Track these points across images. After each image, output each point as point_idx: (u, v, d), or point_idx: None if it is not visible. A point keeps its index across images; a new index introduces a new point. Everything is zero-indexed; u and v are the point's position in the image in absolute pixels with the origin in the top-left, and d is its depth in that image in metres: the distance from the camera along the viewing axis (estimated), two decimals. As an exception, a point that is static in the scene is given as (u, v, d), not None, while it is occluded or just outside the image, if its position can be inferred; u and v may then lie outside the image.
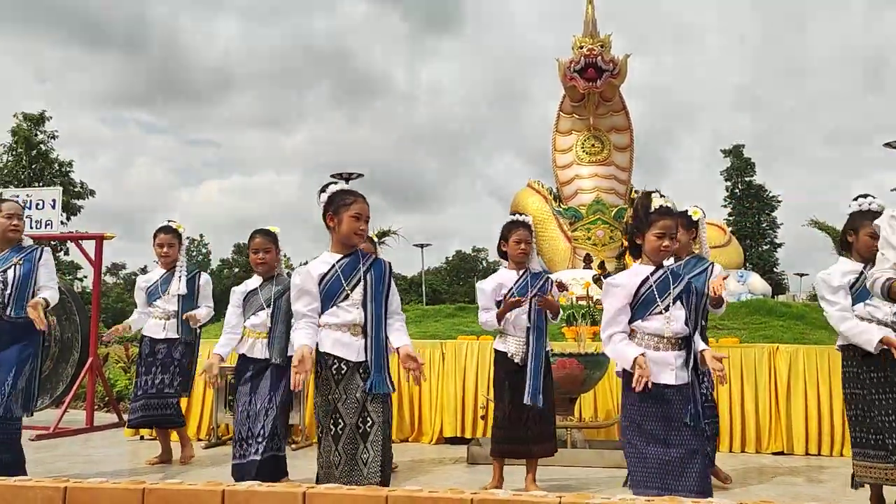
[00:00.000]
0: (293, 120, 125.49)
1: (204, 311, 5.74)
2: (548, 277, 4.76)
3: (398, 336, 3.46)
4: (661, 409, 3.20)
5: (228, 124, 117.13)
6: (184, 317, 5.62)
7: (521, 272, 4.68)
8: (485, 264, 72.75)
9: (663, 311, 3.25)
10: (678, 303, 3.31)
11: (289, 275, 4.70)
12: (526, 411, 4.58)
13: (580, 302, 9.12)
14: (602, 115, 15.22)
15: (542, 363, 4.59)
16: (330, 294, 3.39)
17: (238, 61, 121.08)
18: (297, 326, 3.39)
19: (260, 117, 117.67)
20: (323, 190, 3.53)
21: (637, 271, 3.38)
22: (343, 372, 3.33)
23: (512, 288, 4.66)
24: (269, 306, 4.78)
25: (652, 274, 3.34)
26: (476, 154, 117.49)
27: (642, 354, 3.16)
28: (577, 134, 15.60)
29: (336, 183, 3.53)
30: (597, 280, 8.84)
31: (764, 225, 43.46)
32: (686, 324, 3.30)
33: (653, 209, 3.38)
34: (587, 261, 14.80)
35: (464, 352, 6.92)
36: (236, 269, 65.64)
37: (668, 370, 3.25)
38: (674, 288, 3.33)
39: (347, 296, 3.39)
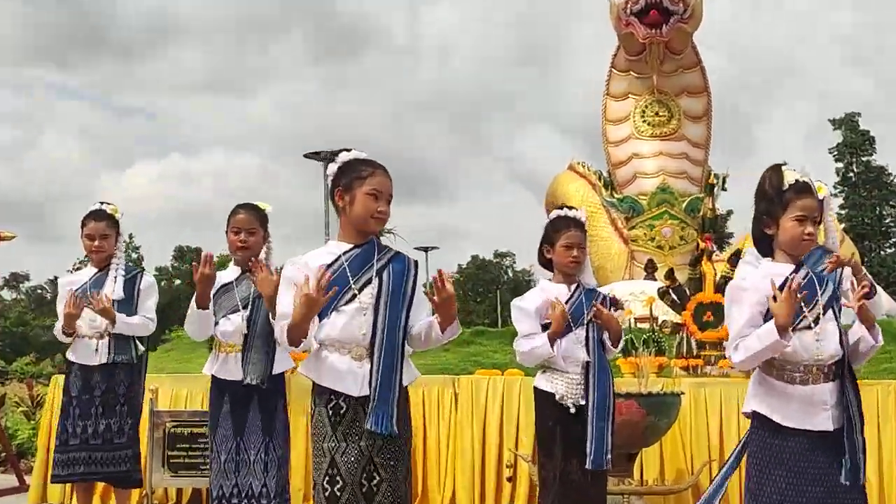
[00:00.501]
0: (254, 82, 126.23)
1: (137, 320, 5.73)
2: (605, 296, 4.77)
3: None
4: (816, 469, 3.11)
5: (167, 87, 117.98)
6: (95, 303, 5.53)
7: (572, 287, 4.68)
8: (510, 274, 72.93)
9: (811, 326, 3.14)
10: (829, 313, 3.23)
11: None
12: (583, 472, 4.56)
13: (641, 325, 9.10)
14: (669, 73, 15.24)
15: (609, 410, 4.57)
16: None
17: (181, 4, 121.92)
18: (283, 324, 3.38)
19: (210, 78, 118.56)
20: (332, 160, 3.62)
21: (772, 271, 3.31)
22: (342, 411, 3.36)
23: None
24: (246, 307, 4.83)
25: (793, 274, 3.25)
26: (498, 128, 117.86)
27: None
28: (635, 99, 15.65)
29: (350, 150, 3.61)
30: (663, 294, 8.80)
31: (888, 220, 43.37)
32: (841, 343, 3.22)
33: (786, 185, 3.33)
34: (649, 269, 14.82)
35: (484, 391, 6.90)
36: (177, 281, 65.91)
37: (823, 411, 3.16)
38: (822, 294, 3.25)
39: (354, 297, 3.42)
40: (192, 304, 4.87)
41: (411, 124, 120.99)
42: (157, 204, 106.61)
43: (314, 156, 26.80)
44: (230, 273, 5.01)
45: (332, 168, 3.60)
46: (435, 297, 3.38)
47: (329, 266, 3.44)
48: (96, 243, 5.75)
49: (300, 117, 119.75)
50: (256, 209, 5.04)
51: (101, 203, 5.90)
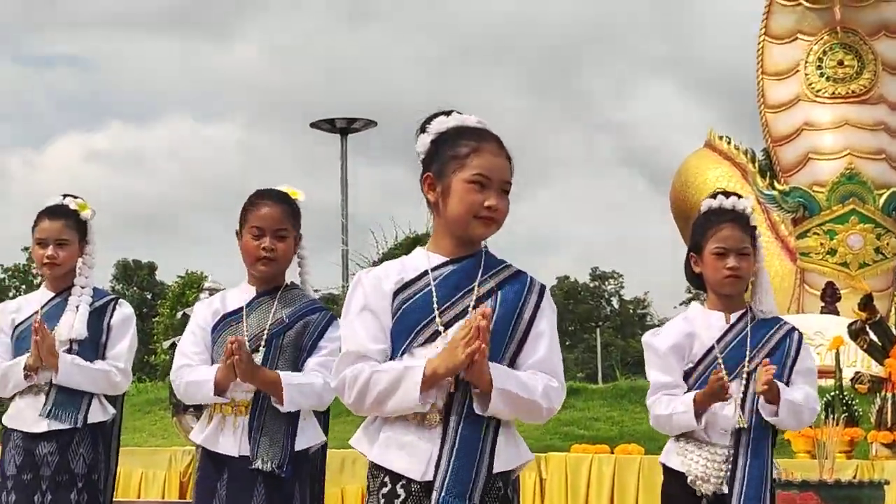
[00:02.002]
0: (234, 16, 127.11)
1: (99, 367, 5.66)
2: (794, 328, 4.73)
3: None
4: None
5: (105, 26, 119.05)
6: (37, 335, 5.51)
7: (734, 316, 4.69)
8: (615, 305, 72.57)
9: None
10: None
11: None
12: None
13: (820, 380, 9.02)
14: (861, 2, 15.12)
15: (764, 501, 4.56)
16: (406, 326, 3.43)
17: None
18: (371, 371, 3.37)
19: (169, 12, 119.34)
20: (423, 129, 3.60)
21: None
22: (398, 502, 3.37)
23: (713, 350, 4.63)
24: (258, 350, 4.77)
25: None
26: (598, 83, 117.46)
27: None
28: (807, 41, 15.60)
29: (449, 114, 3.59)
30: (857, 334, 8.74)
31: None
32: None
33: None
34: (830, 296, 14.65)
35: (584, 475, 6.85)
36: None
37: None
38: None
39: (436, 335, 3.41)
40: (204, 374, 4.76)
41: (468, 77, 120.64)
42: (92, 197, 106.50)
43: (325, 125, 26.79)
44: (239, 295, 4.95)
45: (424, 142, 3.58)
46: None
47: (407, 285, 3.46)
48: (49, 252, 5.78)
49: (301, 69, 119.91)
50: (287, 200, 4.99)
51: (64, 196, 5.96)
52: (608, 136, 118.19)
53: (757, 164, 16.56)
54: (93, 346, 5.74)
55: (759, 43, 15.65)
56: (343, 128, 26.49)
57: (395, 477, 3.36)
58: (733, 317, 4.66)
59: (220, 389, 4.66)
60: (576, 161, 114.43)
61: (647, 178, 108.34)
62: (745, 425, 4.56)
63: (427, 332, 3.40)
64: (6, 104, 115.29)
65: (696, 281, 4.80)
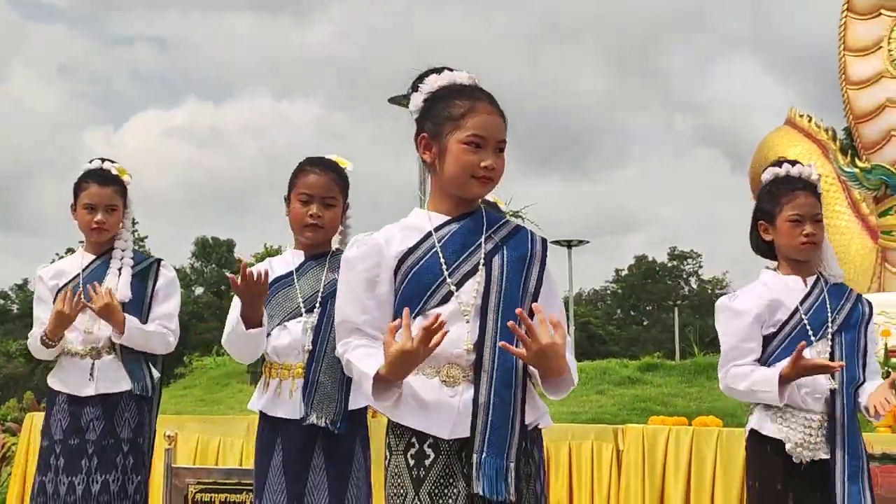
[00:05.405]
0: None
1: (153, 328, 5.72)
2: (860, 297, 4.72)
3: None
4: None
5: (183, 5, 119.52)
6: (94, 298, 5.52)
7: (809, 280, 4.70)
8: (693, 285, 71.99)
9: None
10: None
11: None
12: None
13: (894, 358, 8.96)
14: (946, -26, 14.93)
15: (864, 467, 4.54)
16: (417, 289, 3.43)
17: None
18: (349, 350, 3.43)
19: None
20: (415, 87, 3.63)
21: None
22: (428, 462, 3.35)
23: (797, 313, 4.63)
24: (312, 310, 4.82)
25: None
26: (678, 61, 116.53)
27: None
28: (891, 16, 15.42)
29: (440, 72, 3.61)
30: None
31: None
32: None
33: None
34: (913, 276, 14.49)
35: (661, 448, 6.88)
36: (198, 290, 66.90)
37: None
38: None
39: (450, 295, 3.42)
40: (235, 318, 4.78)
41: (550, 57, 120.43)
42: (169, 175, 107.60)
43: (405, 101, 26.62)
44: (286, 260, 5.01)
45: (416, 102, 3.62)
46: (521, 349, 3.27)
47: (411, 250, 3.47)
48: (98, 217, 5.78)
49: (382, 46, 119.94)
50: (336, 169, 5.01)
51: (101, 159, 5.93)
52: (688, 115, 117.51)
53: (838, 142, 16.35)
54: (137, 306, 5.75)
55: (842, 19, 15.47)
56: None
57: (422, 437, 3.35)
58: (809, 280, 4.69)
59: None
60: (655, 140, 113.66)
61: (727, 157, 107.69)
62: (840, 386, 4.56)
63: (440, 294, 3.41)
64: (85, 83, 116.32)
65: (764, 248, 4.82)
